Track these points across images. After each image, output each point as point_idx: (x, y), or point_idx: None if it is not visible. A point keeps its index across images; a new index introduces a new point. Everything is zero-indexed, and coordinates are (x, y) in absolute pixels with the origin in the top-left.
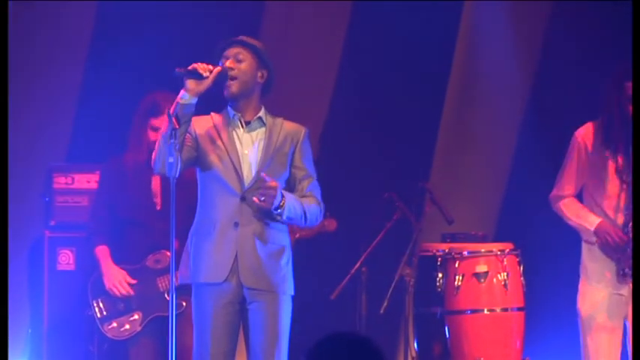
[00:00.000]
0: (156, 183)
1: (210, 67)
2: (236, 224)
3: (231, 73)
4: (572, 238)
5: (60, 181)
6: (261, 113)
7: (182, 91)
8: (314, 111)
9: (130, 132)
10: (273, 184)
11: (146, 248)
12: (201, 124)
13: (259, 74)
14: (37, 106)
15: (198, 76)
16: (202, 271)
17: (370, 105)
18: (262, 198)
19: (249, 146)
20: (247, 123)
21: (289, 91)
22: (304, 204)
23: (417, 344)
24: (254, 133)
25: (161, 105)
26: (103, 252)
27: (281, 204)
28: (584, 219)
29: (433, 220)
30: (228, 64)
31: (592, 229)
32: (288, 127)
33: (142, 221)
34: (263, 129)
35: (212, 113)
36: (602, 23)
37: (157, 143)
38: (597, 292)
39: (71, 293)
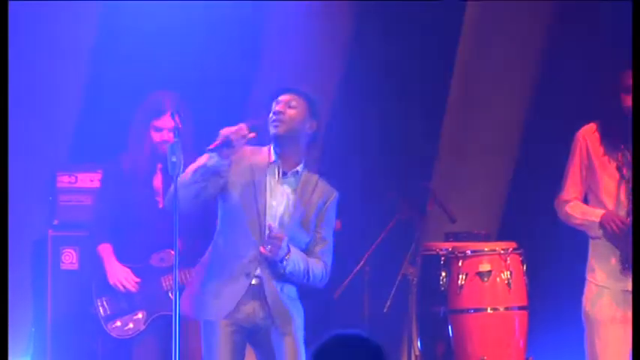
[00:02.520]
0: (158, 181)
1: (242, 131)
2: (247, 275)
3: (280, 116)
4: (575, 236)
5: (63, 180)
6: (300, 167)
7: (217, 156)
8: None
9: (130, 131)
10: (279, 235)
11: (149, 247)
12: (240, 155)
13: (309, 125)
14: (41, 105)
15: (232, 145)
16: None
17: (373, 104)
18: (268, 247)
19: (277, 198)
20: (284, 173)
21: None
22: (310, 263)
23: (421, 343)
24: (286, 186)
25: (163, 105)
26: (106, 250)
27: (286, 257)
28: (589, 214)
29: (436, 219)
30: (278, 108)
31: (597, 220)
32: (320, 188)
33: (145, 220)
34: (296, 184)
35: (254, 148)
36: (605, 23)
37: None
38: (603, 291)
39: (74, 292)
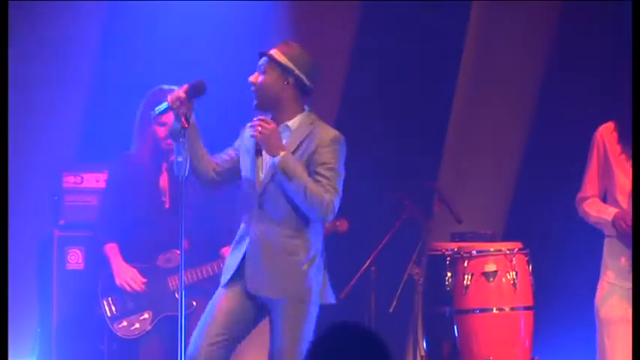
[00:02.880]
0: (164, 181)
1: (178, 93)
2: (245, 237)
3: (253, 89)
4: (581, 236)
5: (69, 181)
6: (291, 121)
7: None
8: (323, 111)
9: (135, 127)
10: (267, 120)
11: (155, 247)
12: (247, 134)
13: (284, 82)
14: (47, 105)
15: (172, 109)
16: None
17: (379, 104)
18: (258, 129)
19: (267, 156)
20: (283, 126)
21: None
22: (309, 182)
23: (426, 343)
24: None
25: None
26: (112, 250)
27: (280, 153)
28: (604, 212)
29: (442, 220)
30: (252, 78)
31: (610, 219)
32: (315, 132)
33: (151, 220)
34: (287, 137)
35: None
36: (614, 22)
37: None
38: (614, 289)
39: (80, 292)
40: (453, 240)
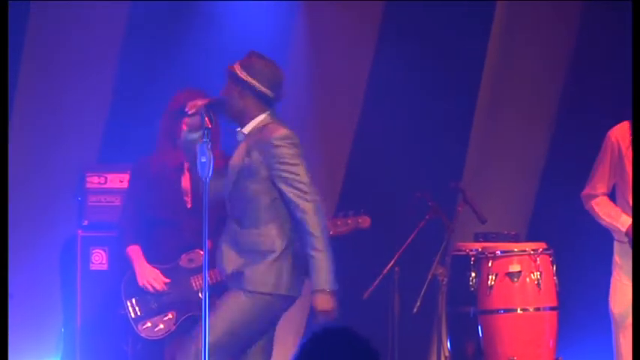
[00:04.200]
0: (186, 181)
1: (198, 102)
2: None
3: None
4: (605, 237)
5: (93, 181)
6: (247, 126)
7: (183, 131)
8: (347, 111)
9: (159, 131)
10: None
11: (178, 247)
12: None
13: (245, 96)
14: (71, 106)
15: (187, 115)
16: None
17: (403, 104)
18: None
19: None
20: (239, 138)
21: (322, 91)
22: (323, 252)
23: (450, 344)
24: (239, 147)
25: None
26: (135, 251)
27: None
28: (616, 219)
29: (466, 220)
30: (222, 92)
31: (624, 230)
32: (263, 133)
33: (173, 220)
34: (239, 142)
35: None
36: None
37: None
38: (629, 289)
39: (104, 293)
40: (476, 240)
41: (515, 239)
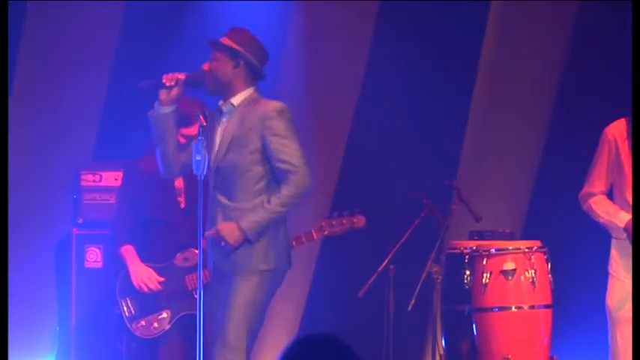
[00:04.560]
0: (179, 181)
1: (177, 75)
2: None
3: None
4: (600, 235)
5: (88, 179)
6: (235, 98)
7: (157, 104)
8: (342, 110)
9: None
10: (213, 232)
11: (172, 247)
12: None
13: (232, 65)
14: (66, 104)
15: (164, 87)
16: None
17: (398, 103)
18: (222, 244)
19: (217, 137)
20: (222, 111)
21: (318, 90)
22: (275, 207)
23: (445, 342)
24: (224, 120)
25: (188, 114)
26: (128, 251)
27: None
28: (614, 216)
29: (461, 218)
30: (204, 67)
31: (622, 226)
32: (258, 106)
33: (167, 220)
34: (230, 113)
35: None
36: (630, 20)
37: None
38: (626, 287)
39: (99, 291)
40: (471, 238)
41: (510, 237)
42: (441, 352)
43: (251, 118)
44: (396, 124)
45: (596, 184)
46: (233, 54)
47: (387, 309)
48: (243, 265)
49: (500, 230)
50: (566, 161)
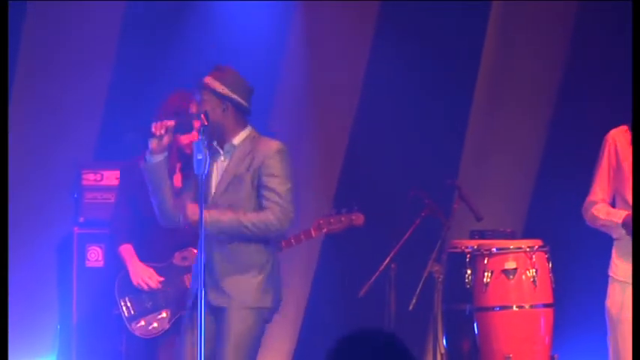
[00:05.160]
0: (178, 180)
1: (166, 123)
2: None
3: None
4: (601, 234)
5: (89, 178)
6: (236, 139)
7: (148, 153)
8: (343, 109)
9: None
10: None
11: (170, 246)
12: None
13: (222, 107)
14: (67, 104)
15: (154, 136)
16: None
17: (399, 102)
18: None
19: (215, 176)
20: (220, 152)
21: (319, 90)
22: (241, 215)
23: (446, 341)
24: (222, 159)
25: (188, 121)
26: (127, 250)
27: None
28: (613, 215)
29: (462, 217)
30: (193, 109)
31: (620, 222)
32: (258, 148)
33: None
34: (230, 154)
35: None
36: (630, 20)
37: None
38: (626, 288)
39: (100, 290)
40: (472, 237)
41: (511, 236)
42: (442, 351)
43: (251, 158)
44: (397, 123)
45: (599, 192)
46: (220, 97)
47: (388, 308)
48: (240, 301)
49: (502, 229)
50: (567, 160)
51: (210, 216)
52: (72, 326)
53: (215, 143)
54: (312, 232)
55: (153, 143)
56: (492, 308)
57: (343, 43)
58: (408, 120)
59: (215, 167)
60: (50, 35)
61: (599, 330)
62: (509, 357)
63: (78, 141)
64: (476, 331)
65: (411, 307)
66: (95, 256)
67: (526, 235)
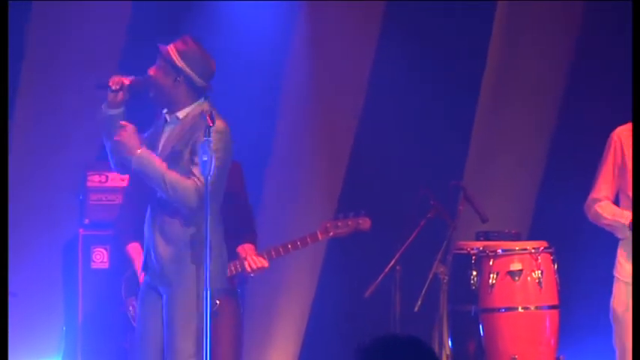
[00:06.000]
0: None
1: (122, 79)
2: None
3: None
4: (607, 235)
5: (94, 180)
6: (182, 112)
7: (104, 106)
8: (348, 110)
9: None
10: (129, 127)
11: None
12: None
13: (173, 76)
14: (72, 105)
15: (110, 90)
16: None
17: (404, 103)
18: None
19: (160, 145)
20: (167, 121)
21: (324, 90)
22: (168, 173)
23: (452, 342)
24: (168, 129)
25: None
26: (135, 249)
27: (137, 152)
28: (619, 215)
29: (467, 218)
30: (150, 71)
31: (626, 223)
32: (200, 124)
33: None
34: (174, 126)
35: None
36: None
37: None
38: (631, 291)
39: (105, 291)
40: (478, 239)
41: (517, 238)
42: (448, 352)
43: (191, 133)
44: (402, 124)
45: (602, 189)
46: (174, 68)
47: (394, 309)
48: (178, 285)
49: (507, 231)
50: (573, 161)
51: (142, 153)
52: (77, 327)
53: (165, 111)
54: (319, 235)
55: (110, 96)
56: (498, 309)
57: (348, 43)
58: (413, 120)
59: (162, 136)
60: (55, 35)
61: (605, 331)
62: (515, 358)
63: (83, 142)
64: (481, 333)
65: (416, 309)
66: (100, 257)
67: (531, 237)
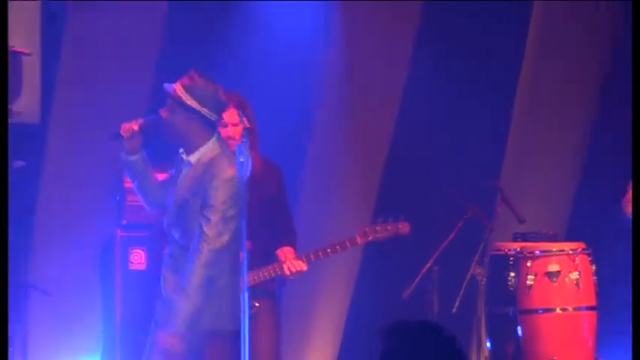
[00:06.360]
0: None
1: (132, 126)
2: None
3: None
4: None
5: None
6: (194, 157)
7: (123, 152)
8: (384, 112)
9: None
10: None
11: None
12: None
13: (184, 117)
14: (110, 106)
15: (123, 138)
16: None
17: (441, 105)
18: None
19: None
20: (183, 163)
21: (359, 92)
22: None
23: (490, 343)
24: (183, 173)
25: (225, 100)
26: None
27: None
28: None
29: (504, 220)
30: (162, 113)
31: None
32: (214, 167)
33: None
34: (186, 170)
35: None
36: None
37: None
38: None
39: (143, 292)
40: (515, 240)
41: (554, 239)
42: (486, 354)
43: (203, 180)
44: (439, 125)
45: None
46: (183, 107)
47: (432, 311)
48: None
49: (544, 232)
50: (610, 162)
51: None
52: (115, 328)
53: (181, 151)
54: (358, 239)
55: (125, 144)
56: (536, 311)
57: (385, 44)
58: (449, 122)
59: (179, 178)
60: (92, 35)
61: None
62: (554, 359)
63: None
64: (520, 334)
65: (454, 310)
66: (138, 258)
67: (569, 238)
